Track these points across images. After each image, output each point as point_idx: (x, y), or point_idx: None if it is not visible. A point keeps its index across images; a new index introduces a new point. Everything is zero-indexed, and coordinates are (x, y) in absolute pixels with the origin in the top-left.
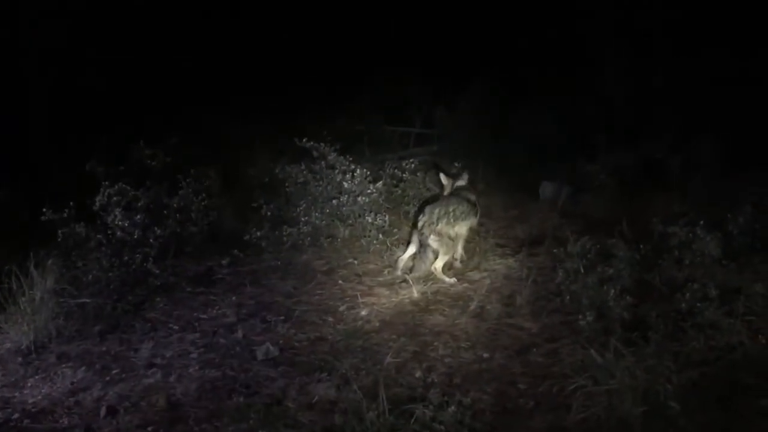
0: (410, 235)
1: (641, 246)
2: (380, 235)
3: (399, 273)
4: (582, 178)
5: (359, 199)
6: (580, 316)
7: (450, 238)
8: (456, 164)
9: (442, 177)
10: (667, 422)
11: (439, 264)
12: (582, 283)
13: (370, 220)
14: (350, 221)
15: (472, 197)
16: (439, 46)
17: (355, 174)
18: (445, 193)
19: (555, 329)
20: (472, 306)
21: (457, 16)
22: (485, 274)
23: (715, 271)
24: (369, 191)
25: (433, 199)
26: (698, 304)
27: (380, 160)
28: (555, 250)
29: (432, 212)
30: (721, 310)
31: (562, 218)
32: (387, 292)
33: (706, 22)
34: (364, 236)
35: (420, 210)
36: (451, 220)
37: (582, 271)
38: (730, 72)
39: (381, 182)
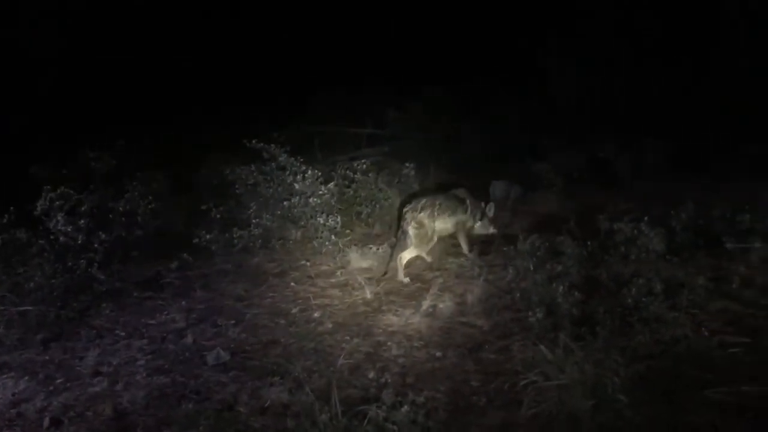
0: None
1: (589, 243)
2: (332, 237)
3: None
4: (531, 178)
5: (311, 200)
6: (530, 313)
7: (427, 230)
8: (407, 164)
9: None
10: (615, 415)
11: (406, 255)
12: (532, 281)
13: (322, 222)
14: (302, 223)
15: (465, 200)
16: (392, 50)
17: (306, 175)
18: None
19: (506, 326)
20: (425, 305)
21: (411, 21)
22: (438, 273)
23: (659, 266)
24: (320, 192)
25: (424, 193)
26: (644, 299)
27: (332, 161)
28: (505, 249)
29: (418, 202)
30: (665, 304)
31: (513, 217)
32: (340, 294)
33: (654, 28)
34: (317, 238)
35: (408, 199)
36: (434, 214)
37: (532, 268)
38: (675, 77)
39: (333, 183)
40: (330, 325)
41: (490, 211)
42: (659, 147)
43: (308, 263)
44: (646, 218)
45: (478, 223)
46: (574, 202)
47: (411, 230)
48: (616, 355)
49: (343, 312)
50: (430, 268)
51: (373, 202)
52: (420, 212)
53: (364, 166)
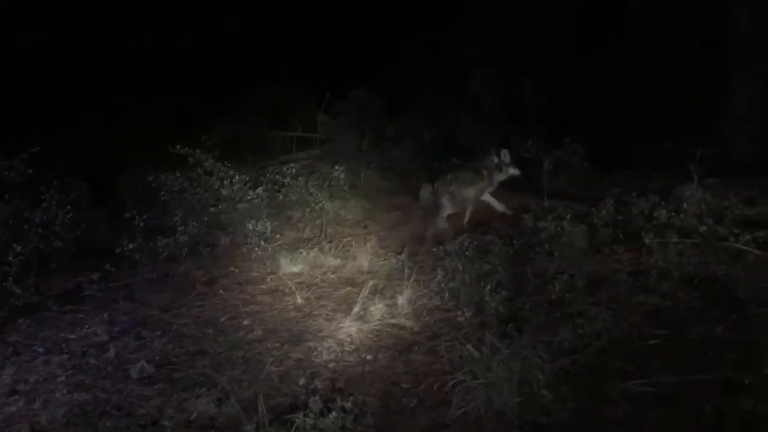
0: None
1: (515, 241)
2: (262, 242)
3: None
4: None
5: (239, 205)
6: (459, 313)
7: (459, 198)
8: (337, 167)
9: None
10: (541, 411)
11: (438, 225)
12: (460, 281)
13: (250, 227)
14: (230, 229)
15: (483, 170)
16: (322, 52)
17: (234, 180)
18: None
19: (436, 327)
20: (356, 308)
21: (341, 24)
22: (368, 275)
23: (582, 262)
24: (249, 197)
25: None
26: (567, 295)
27: (262, 165)
28: (435, 249)
29: (445, 177)
30: (588, 299)
31: (443, 219)
32: (270, 300)
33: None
34: (246, 244)
35: (437, 177)
36: (460, 184)
37: (460, 268)
38: (595, 77)
39: (261, 188)
40: (260, 333)
41: (505, 157)
42: (580, 145)
43: (237, 270)
44: (568, 216)
45: (500, 175)
46: (500, 202)
47: (446, 202)
48: (542, 351)
49: (274, 318)
50: (361, 270)
51: (304, 206)
52: (450, 185)
53: (294, 169)
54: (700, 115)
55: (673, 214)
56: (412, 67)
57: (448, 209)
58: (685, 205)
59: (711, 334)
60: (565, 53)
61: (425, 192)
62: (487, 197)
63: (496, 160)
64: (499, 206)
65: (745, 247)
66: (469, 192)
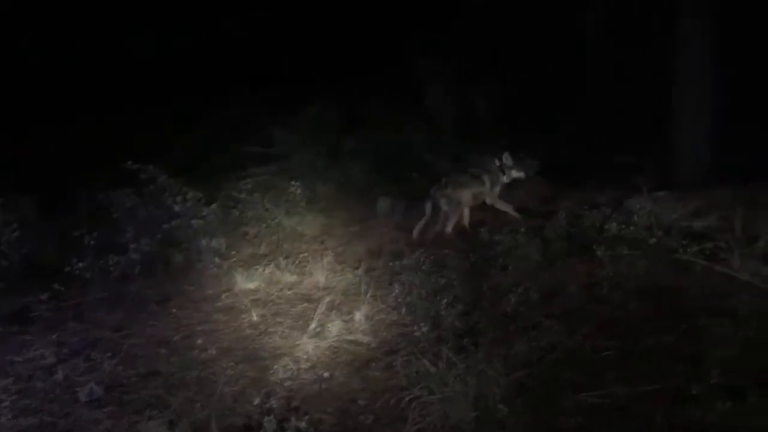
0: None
1: (471, 255)
2: (217, 259)
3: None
4: (416, 193)
5: (193, 222)
6: (416, 328)
7: (455, 201)
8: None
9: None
10: (497, 425)
11: (449, 226)
12: (417, 295)
13: (205, 244)
14: (184, 246)
15: (483, 174)
16: (279, 67)
17: (187, 197)
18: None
19: (393, 342)
20: (313, 325)
21: (297, 38)
22: (325, 291)
23: (536, 274)
24: (203, 214)
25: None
26: (522, 308)
27: (217, 181)
28: (391, 264)
29: (442, 181)
30: (542, 311)
31: (399, 232)
32: (225, 318)
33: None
34: (200, 261)
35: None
36: (456, 187)
37: (417, 283)
38: (546, 90)
39: (216, 204)
40: (214, 352)
41: (507, 160)
42: (535, 159)
43: (191, 288)
44: (522, 229)
45: (504, 178)
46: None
47: (443, 205)
48: (497, 365)
49: (229, 337)
50: (317, 286)
51: (260, 222)
52: (446, 188)
53: (250, 185)
54: (650, 128)
55: (623, 226)
56: (371, 80)
57: (450, 213)
58: (635, 218)
59: (661, 345)
60: (520, 67)
61: (382, 205)
62: (497, 202)
63: (497, 163)
64: (511, 213)
65: (692, 259)
66: (465, 194)
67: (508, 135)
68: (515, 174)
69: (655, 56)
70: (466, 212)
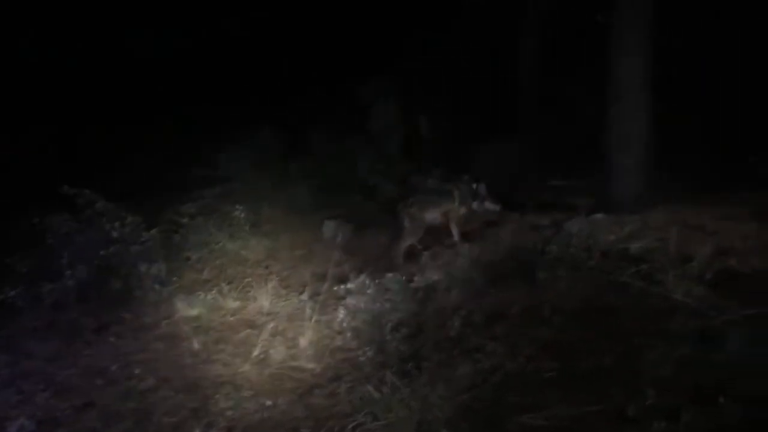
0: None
1: (415, 278)
2: (157, 285)
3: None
4: (361, 216)
5: (132, 247)
6: (360, 353)
7: (418, 220)
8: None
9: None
10: None
11: (406, 243)
12: (361, 320)
13: (144, 270)
14: (123, 272)
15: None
16: (223, 89)
17: (126, 221)
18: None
19: (337, 368)
20: (256, 352)
21: (242, 61)
22: (269, 317)
23: (480, 297)
24: (143, 239)
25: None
26: (466, 330)
27: (159, 204)
28: (336, 288)
29: (407, 201)
30: (485, 334)
31: (345, 255)
32: (165, 346)
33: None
34: (139, 287)
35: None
36: (421, 207)
37: (362, 306)
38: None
39: (157, 229)
40: (152, 382)
41: (482, 189)
42: (478, 182)
43: (130, 316)
44: (466, 253)
45: (475, 204)
46: (402, 240)
47: (406, 224)
48: (441, 389)
49: (168, 366)
50: (261, 311)
51: (203, 247)
52: (411, 208)
53: (193, 209)
54: (588, 152)
55: (563, 249)
56: (317, 104)
57: (411, 232)
58: (574, 240)
59: (601, 366)
60: (462, 92)
61: (328, 229)
62: (454, 223)
63: (475, 186)
64: (456, 232)
65: (629, 280)
66: (431, 214)
67: (453, 159)
68: (488, 206)
69: (590, 80)
70: (454, 228)
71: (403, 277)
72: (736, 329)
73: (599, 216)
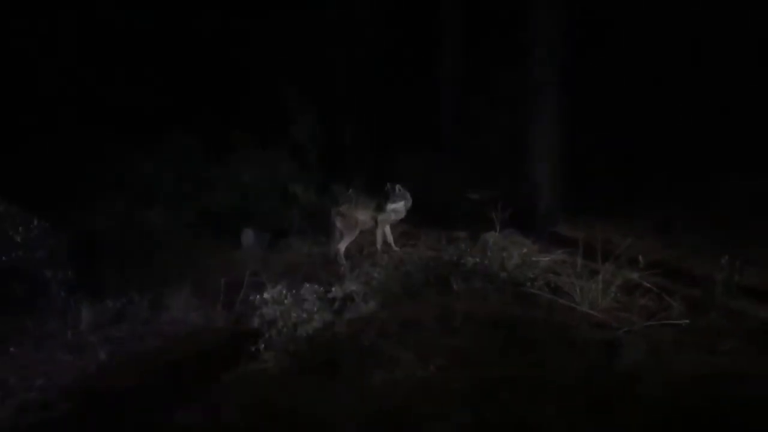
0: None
1: (333, 288)
2: (63, 292)
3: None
4: (283, 223)
5: (38, 253)
6: (273, 364)
7: (350, 220)
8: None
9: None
10: None
11: (342, 245)
12: (276, 329)
13: (50, 276)
14: (27, 278)
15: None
16: (138, 97)
17: (32, 225)
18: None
19: (249, 377)
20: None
21: (161, 64)
22: (182, 326)
23: (396, 307)
24: (50, 244)
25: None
26: (380, 340)
27: (70, 208)
28: (252, 298)
29: (339, 201)
30: (399, 343)
31: (263, 264)
32: (71, 357)
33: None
34: (44, 295)
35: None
36: (353, 206)
37: (278, 316)
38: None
39: (67, 233)
40: (56, 395)
41: (395, 190)
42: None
43: (33, 324)
44: (384, 263)
45: (390, 206)
46: (322, 248)
47: (338, 223)
48: (354, 398)
49: (74, 378)
50: (173, 322)
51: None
52: (340, 206)
53: (106, 214)
54: (504, 165)
55: (478, 260)
56: (237, 111)
57: (345, 232)
58: (488, 253)
59: (510, 374)
60: (383, 102)
61: (247, 237)
62: (383, 227)
63: (396, 188)
64: (385, 240)
65: (539, 292)
66: (362, 214)
67: (373, 168)
68: (390, 206)
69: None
70: (388, 231)
71: (321, 287)
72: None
73: (513, 230)
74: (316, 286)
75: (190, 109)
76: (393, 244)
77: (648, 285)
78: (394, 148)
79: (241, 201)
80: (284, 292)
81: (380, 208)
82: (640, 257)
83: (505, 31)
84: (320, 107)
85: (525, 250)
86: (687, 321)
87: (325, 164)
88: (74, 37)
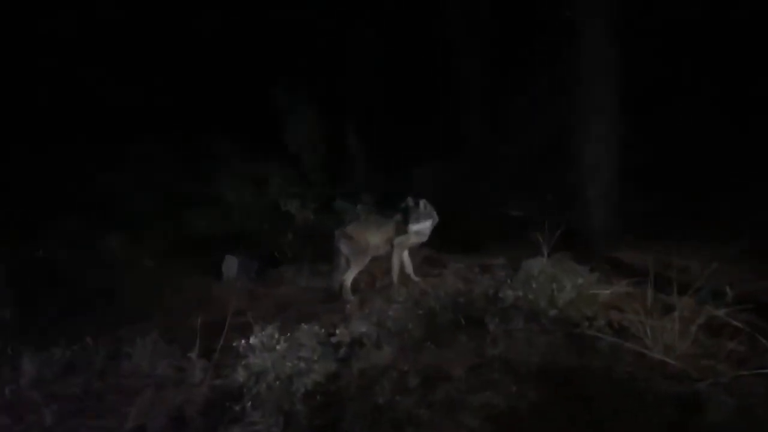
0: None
1: (338, 331)
2: None
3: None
4: (275, 249)
5: None
6: (264, 426)
7: (359, 243)
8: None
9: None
10: None
11: (349, 276)
12: (266, 383)
13: None
14: None
15: (396, 218)
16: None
17: None
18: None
19: None
20: (128, 424)
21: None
22: (147, 380)
23: (416, 354)
24: None
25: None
26: (397, 397)
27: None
28: (236, 344)
29: (345, 220)
30: (421, 400)
31: (250, 300)
32: (8, 420)
33: None
34: None
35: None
36: (362, 227)
37: (269, 366)
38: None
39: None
40: None
41: (424, 206)
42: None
43: None
44: (401, 298)
45: (413, 227)
46: (322, 279)
47: (343, 247)
48: None
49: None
50: (137, 373)
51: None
52: (346, 227)
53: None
54: (550, 179)
55: (520, 294)
56: (220, 114)
57: (350, 260)
58: (534, 285)
59: None
60: (396, 104)
61: (229, 265)
62: (399, 254)
63: (418, 206)
64: (402, 269)
65: (598, 334)
66: (375, 238)
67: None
68: (415, 226)
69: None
70: (407, 258)
71: (323, 329)
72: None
73: (564, 254)
74: (317, 328)
75: (161, 112)
76: (413, 274)
77: (738, 324)
78: (411, 157)
79: (224, 222)
80: (276, 335)
81: (399, 229)
82: (728, 289)
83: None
84: (320, 108)
85: (580, 281)
86: None
87: (327, 176)
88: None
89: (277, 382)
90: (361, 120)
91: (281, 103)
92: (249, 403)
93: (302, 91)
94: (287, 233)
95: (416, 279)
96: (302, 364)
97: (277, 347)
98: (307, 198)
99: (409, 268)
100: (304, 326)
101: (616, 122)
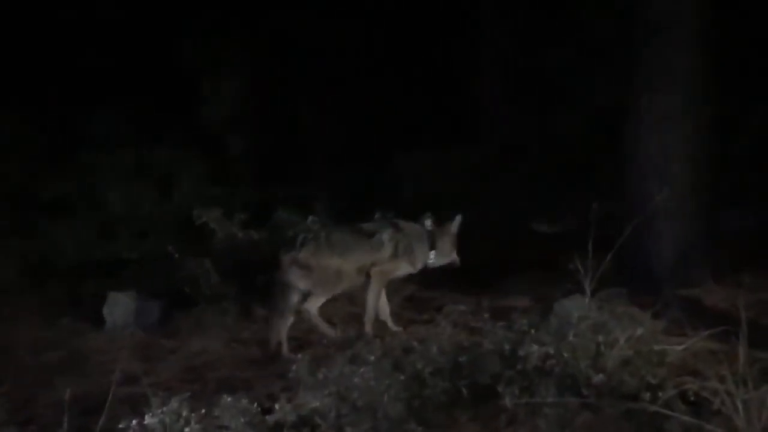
0: None
1: (277, 405)
2: None
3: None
4: (184, 282)
5: None
6: None
7: (326, 274)
8: None
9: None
10: None
11: (313, 304)
12: None
13: None
14: None
15: (379, 233)
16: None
17: None
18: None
19: None
20: None
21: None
22: None
23: None
24: None
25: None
26: None
27: None
28: (123, 425)
29: (296, 240)
30: None
31: (146, 359)
32: None
33: None
34: None
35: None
36: (324, 250)
37: None
38: None
39: None
40: None
41: (455, 227)
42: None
43: None
44: (373, 357)
45: (433, 254)
46: (256, 327)
47: (294, 279)
48: None
49: None
50: None
51: None
52: (299, 252)
53: None
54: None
55: (551, 351)
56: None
57: (316, 294)
58: (571, 337)
59: None
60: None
61: (114, 306)
62: (375, 289)
63: (429, 226)
64: (381, 312)
65: (667, 411)
66: (346, 262)
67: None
68: (442, 253)
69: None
70: (383, 299)
71: (255, 404)
72: None
73: (614, 291)
74: (246, 402)
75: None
76: (389, 321)
77: None
78: (396, 140)
79: (105, 241)
80: (185, 412)
81: (378, 251)
82: None
83: None
84: (254, 66)
85: (640, 332)
86: None
87: (264, 170)
88: None
89: None
90: (319, 84)
91: (193, 60)
92: None
93: (225, 41)
94: (203, 259)
95: (396, 328)
96: None
97: (186, 430)
98: (232, 205)
99: (385, 312)
100: (227, 398)
101: (700, 101)
